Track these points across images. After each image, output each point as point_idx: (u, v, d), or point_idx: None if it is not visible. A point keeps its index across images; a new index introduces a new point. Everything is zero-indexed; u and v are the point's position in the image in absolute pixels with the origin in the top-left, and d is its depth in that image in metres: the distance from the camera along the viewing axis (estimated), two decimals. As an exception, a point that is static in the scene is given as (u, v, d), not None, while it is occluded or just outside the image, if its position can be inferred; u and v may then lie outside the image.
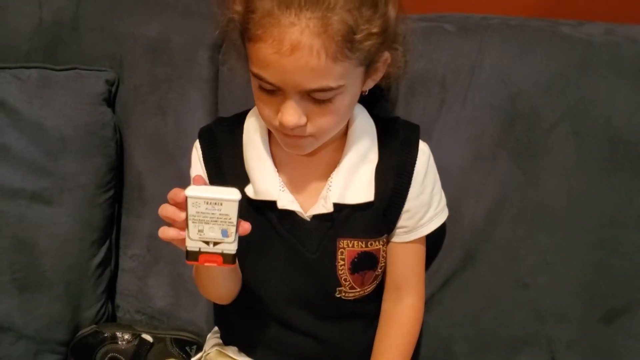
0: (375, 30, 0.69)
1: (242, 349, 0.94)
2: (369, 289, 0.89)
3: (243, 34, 0.72)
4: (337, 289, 0.86)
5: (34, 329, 1.02)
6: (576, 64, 0.92)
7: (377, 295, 0.92)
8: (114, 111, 1.08)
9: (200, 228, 0.67)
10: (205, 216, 0.66)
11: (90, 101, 1.03)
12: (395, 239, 0.88)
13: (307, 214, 0.84)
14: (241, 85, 0.99)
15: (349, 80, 0.71)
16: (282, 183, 0.83)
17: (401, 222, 0.87)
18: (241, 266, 0.87)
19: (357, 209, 0.83)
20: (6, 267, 0.99)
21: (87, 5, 1.08)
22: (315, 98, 0.71)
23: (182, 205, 0.67)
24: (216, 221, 0.66)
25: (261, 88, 0.73)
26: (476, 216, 0.96)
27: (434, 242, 0.95)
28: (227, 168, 0.86)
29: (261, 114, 0.77)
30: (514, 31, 0.96)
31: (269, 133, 0.84)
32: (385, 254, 0.89)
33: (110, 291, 1.12)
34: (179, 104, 1.06)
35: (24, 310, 1.01)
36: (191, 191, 0.65)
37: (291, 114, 0.71)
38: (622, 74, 0.91)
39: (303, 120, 0.72)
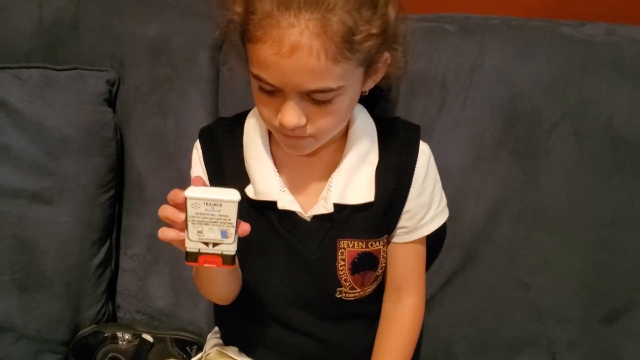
0: (374, 31, 0.68)
1: (243, 349, 0.94)
2: (369, 290, 0.89)
3: (243, 35, 0.72)
4: (338, 289, 0.86)
5: (34, 329, 1.02)
6: (577, 64, 0.92)
7: (377, 296, 0.92)
8: (114, 111, 1.08)
9: (199, 229, 0.67)
10: (205, 217, 0.66)
11: (91, 101, 1.03)
12: (396, 239, 0.88)
13: (307, 214, 0.84)
14: (242, 86, 0.99)
15: (349, 81, 0.71)
16: (283, 183, 0.83)
17: (401, 222, 0.87)
18: (241, 266, 0.87)
19: (357, 210, 0.83)
20: (6, 267, 0.99)
21: (87, 5, 1.08)
22: (315, 99, 0.70)
23: (182, 206, 0.67)
24: (215, 222, 0.66)
25: (261, 89, 0.73)
26: (476, 216, 0.96)
27: (434, 242, 0.95)
28: (228, 168, 0.86)
29: (261, 115, 0.77)
30: (514, 31, 0.96)
31: (270, 133, 0.84)
32: (386, 254, 0.89)
33: (111, 291, 1.12)
34: (179, 104, 1.06)
35: (24, 310, 1.01)
36: (190, 192, 0.65)
37: (291, 115, 0.71)
38: (623, 74, 0.91)
39: (303, 121, 0.72)
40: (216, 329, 1.02)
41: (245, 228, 0.69)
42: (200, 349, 1.03)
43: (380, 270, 0.88)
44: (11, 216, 0.99)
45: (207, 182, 0.85)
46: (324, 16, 0.65)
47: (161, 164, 1.07)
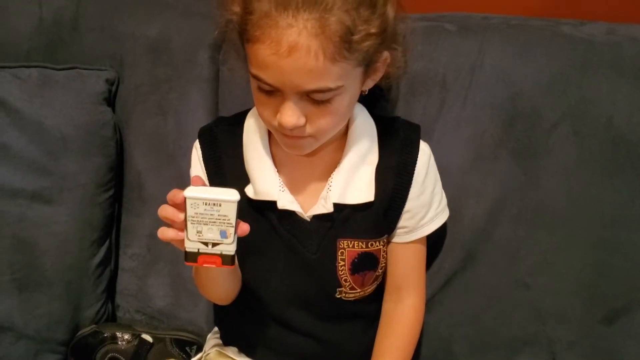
0: (373, 30, 0.68)
1: (242, 350, 0.94)
2: (369, 290, 0.89)
3: (241, 35, 0.71)
4: (338, 289, 0.86)
5: (33, 329, 1.02)
6: (577, 64, 0.91)
7: (377, 296, 0.91)
8: (114, 111, 1.08)
9: (199, 229, 0.67)
10: (204, 217, 0.66)
11: (91, 101, 1.03)
12: (396, 239, 0.88)
13: (307, 214, 0.83)
14: (241, 85, 0.98)
15: (348, 81, 0.71)
16: (282, 183, 0.83)
17: (402, 222, 0.87)
18: (241, 266, 0.87)
19: (357, 209, 0.83)
20: (6, 267, 0.99)
21: (87, 4, 1.08)
22: (314, 99, 0.70)
23: (181, 206, 0.67)
24: (215, 222, 0.66)
25: (260, 89, 0.72)
26: (476, 216, 0.96)
27: (434, 242, 0.95)
28: (227, 168, 0.86)
29: (260, 115, 0.77)
30: (514, 31, 0.96)
31: (269, 133, 0.84)
32: (386, 254, 0.88)
33: (110, 291, 1.12)
34: (179, 103, 1.06)
35: (24, 310, 1.01)
36: (190, 192, 0.65)
37: (290, 115, 0.71)
38: (623, 73, 0.90)
39: (302, 120, 0.72)
40: (216, 329, 1.01)
41: (245, 228, 0.69)
42: (200, 349, 1.03)
43: (380, 271, 0.88)
44: (11, 216, 0.99)
45: (207, 182, 0.85)
46: (322, 16, 0.65)
47: (161, 164, 1.07)
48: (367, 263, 0.86)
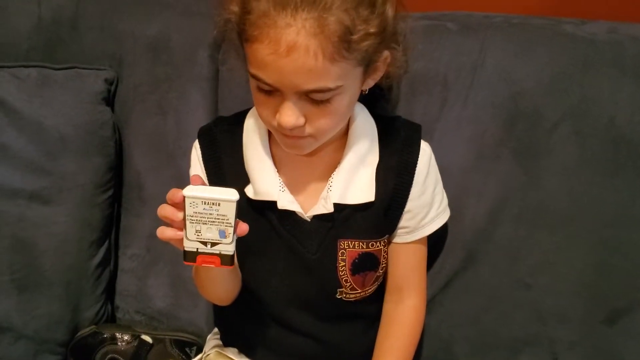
0: (372, 30, 0.68)
1: (242, 350, 0.94)
2: (370, 290, 0.88)
3: (240, 34, 0.71)
4: (338, 290, 0.86)
5: (33, 329, 1.02)
6: (579, 63, 0.91)
7: (378, 297, 0.91)
8: (113, 110, 1.08)
9: (197, 228, 0.67)
10: (203, 217, 0.66)
11: (90, 100, 1.03)
12: (397, 239, 0.88)
13: (307, 214, 0.83)
14: (241, 85, 0.98)
15: (348, 81, 0.70)
16: (282, 183, 0.83)
17: (402, 222, 0.86)
18: (241, 267, 0.86)
19: (357, 210, 0.83)
20: (5, 267, 0.99)
21: (86, 4, 1.08)
22: (314, 99, 0.70)
23: (180, 206, 0.66)
24: (214, 222, 0.66)
25: (259, 89, 0.72)
26: (477, 216, 0.96)
27: (435, 242, 0.94)
28: (227, 168, 0.86)
29: (260, 115, 0.77)
30: (516, 30, 0.95)
31: (269, 133, 0.84)
32: (387, 254, 0.88)
33: (110, 291, 1.12)
34: (179, 103, 1.05)
35: (23, 310, 1.01)
36: (189, 191, 0.65)
37: (289, 115, 0.70)
38: (625, 72, 0.90)
39: (301, 120, 0.71)
40: (216, 330, 1.01)
41: (244, 228, 0.69)
42: (199, 350, 1.03)
43: (381, 271, 0.88)
44: (10, 216, 0.98)
45: (207, 182, 0.85)
46: (321, 15, 0.64)
47: (160, 164, 1.07)
48: (367, 263, 0.86)
